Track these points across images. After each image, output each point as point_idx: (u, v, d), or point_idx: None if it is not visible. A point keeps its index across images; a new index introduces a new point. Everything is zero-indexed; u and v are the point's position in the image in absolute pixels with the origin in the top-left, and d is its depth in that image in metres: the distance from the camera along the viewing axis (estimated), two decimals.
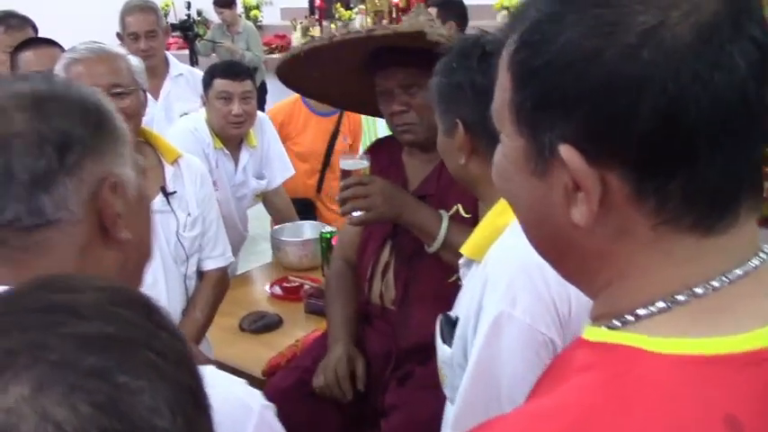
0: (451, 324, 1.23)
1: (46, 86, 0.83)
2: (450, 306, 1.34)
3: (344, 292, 2.02)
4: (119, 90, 1.93)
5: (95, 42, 2.04)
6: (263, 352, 2.17)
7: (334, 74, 1.93)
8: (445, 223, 1.72)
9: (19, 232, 0.79)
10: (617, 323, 0.58)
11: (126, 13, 3.19)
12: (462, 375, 1.15)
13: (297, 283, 2.60)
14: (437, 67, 1.31)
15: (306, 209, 3.36)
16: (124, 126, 0.88)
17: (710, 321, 0.56)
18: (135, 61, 2.08)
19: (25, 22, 3.04)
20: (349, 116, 3.49)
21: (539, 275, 1.07)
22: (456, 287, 1.73)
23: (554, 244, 0.64)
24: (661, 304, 0.57)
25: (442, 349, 1.23)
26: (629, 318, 0.58)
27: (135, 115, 1.97)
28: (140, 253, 0.91)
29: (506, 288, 1.08)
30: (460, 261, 1.28)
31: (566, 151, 0.56)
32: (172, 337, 0.51)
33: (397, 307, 1.88)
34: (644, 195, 0.55)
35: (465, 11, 4.03)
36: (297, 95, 3.44)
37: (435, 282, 1.78)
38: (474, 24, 4.14)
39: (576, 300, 1.07)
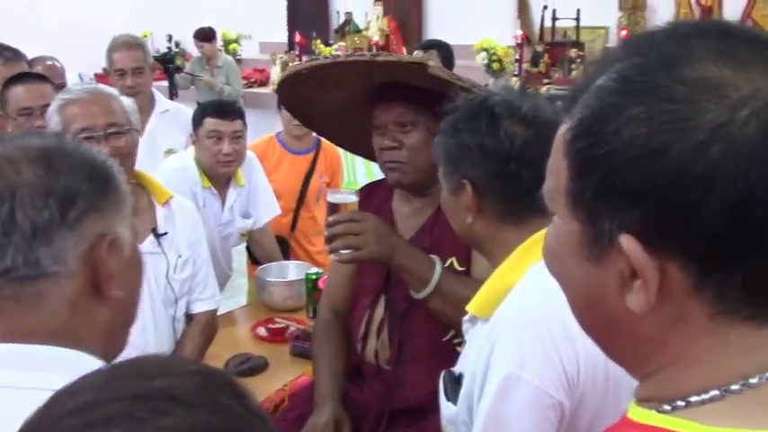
0: (455, 381, 1.24)
1: (57, 143, 0.86)
2: (445, 364, 1.32)
3: (332, 345, 1.93)
4: (114, 130, 1.94)
5: (89, 83, 2.05)
6: None
7: (335, 100, 1.87)
8: (438, 268, 1.66)
9: (12, 282, 0.81)
10: (667, 407, 0.58)
11: (113, 49, 3.19)
12: None
13: (282, 325, 2.58)
14: (442, 127, 1.31)
15: (279, 247, 3.34)
16: (127, 188, 0.91)
17: (766, 413, 0.55)
18: (128, 101, 2.09)
19: (18, 55, 3.04)
20: (326, 153, 3.47)
21: (548, 338, 1.08)
22: (451, 345, 1.72)
23: (604, 327, 0.63)
24: (715, 393, 0.56)
25: (447, 407, 1.23)
26: (680, 403, 0.57)
27: (130, 155, 1.98)
28: (128, 314, 0.93)
29: (515, 349, 1.09)
30: (464, 318, 1.29)
31: (627, 241, 0.55)
32: (263, 423, 0.52)
33: (393, 367, 1.81)
34: (704, 286, 0.55)
35: (451, 53, 4.10)
36: (273, 134, 3.45)
37: (430, 341, 1.74)
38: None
39: (584, 362, 1.09)
